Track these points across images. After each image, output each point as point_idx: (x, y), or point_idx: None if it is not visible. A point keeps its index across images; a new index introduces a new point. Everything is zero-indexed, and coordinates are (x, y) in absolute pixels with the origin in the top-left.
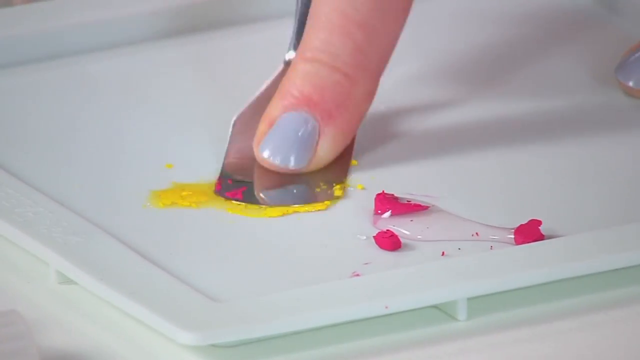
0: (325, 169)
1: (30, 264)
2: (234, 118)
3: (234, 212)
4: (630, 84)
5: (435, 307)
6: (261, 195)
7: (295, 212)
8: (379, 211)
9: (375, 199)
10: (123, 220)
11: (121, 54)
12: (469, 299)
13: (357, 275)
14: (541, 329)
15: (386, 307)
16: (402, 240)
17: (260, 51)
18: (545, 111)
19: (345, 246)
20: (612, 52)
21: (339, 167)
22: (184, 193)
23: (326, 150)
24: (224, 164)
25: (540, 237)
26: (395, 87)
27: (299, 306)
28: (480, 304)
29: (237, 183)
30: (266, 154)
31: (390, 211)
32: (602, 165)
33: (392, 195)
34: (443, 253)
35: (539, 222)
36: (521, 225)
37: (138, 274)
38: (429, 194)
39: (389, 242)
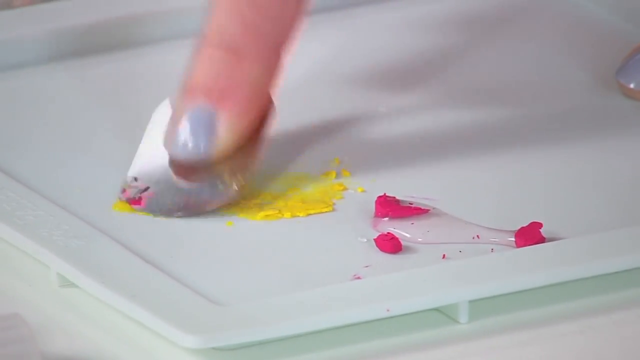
0: (233, 158)
1: (31, 267)
2: (154, 113)
3: (230, 214)
4: (632, 86)
5: (436, 309)
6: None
7: (298, 214)
8: (379, 214)
9: (376, 201)
10: (124, 223)
11: (121, 56)
12: (471, 302)
13: (358, 278)
14: (542, 331)
15: (387, 310)
16: (402, 243)
17: None
18: (546, 113)
19: (346, 249)
20: (613, 55)
21: (247, 153)
22: None
23: (225, 132)
24: (134, 164)
25: (541, 240)
26: (395, 89)
27: (300, 309)
28: (481, 306)
29: (144, 190)
30: (174, 150)
31: (389, 214)
32: (603, 168)
33: (393, 198)
34: (444, 256)
35: (539, 225)
36: (522, 227)
37: (139, 277)
38: (430, 197)
39: (390, 244)
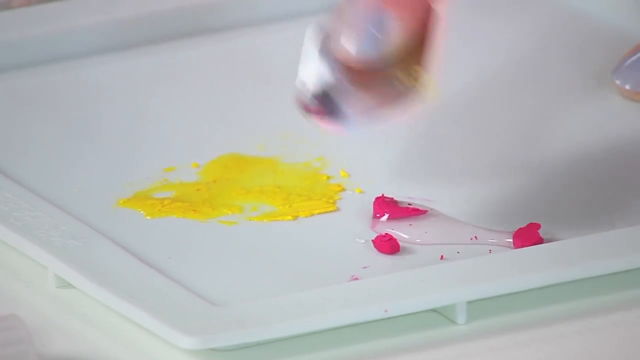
0: (406, 62)
1: (29, 268)
2: (313, 26)
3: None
4: (627, 86)
5: (434, 310)
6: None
7: (301, 215)
8: (378, 215)
9: (374, 202)
10: (122, 224)
11: (121, 58)
12: (468, 303)
13: (356, 279)
14: (540, 332)
15: (386, 311)
16: (400, 244)
17: (260, 54)
18: (543, 114)
19: (344, 250)
20: (610, 56)
21: (420, 52)
22: (165, 201)
23: (397, 31)
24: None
25: (539, 241)
26: None
27: (298, 310)
28: (479, 307)
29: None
30: (345, 49)
31: (387, 215)
32: (600, 169)
33: (391, 199)
34: (442, 257)
35: (537, 226)
36: (520, 228)
37: (137, 278)
38: (428, 198)
39: (388, 245)
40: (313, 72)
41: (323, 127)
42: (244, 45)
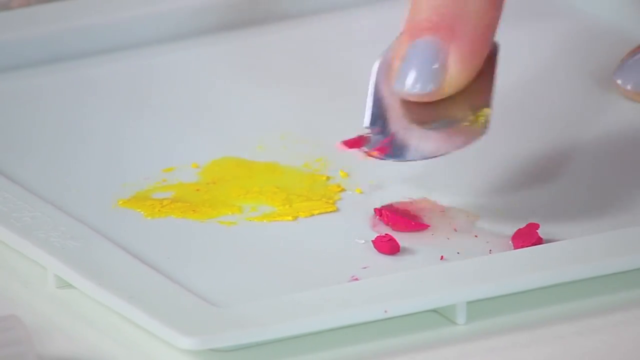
0: (467, 98)
1: (29, 268)
2: (376, 65)
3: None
4: (629, 87)
5: (434, 311)
6: (407, 153)
7: (301, 215)
8: (378, 216)
9: (375, 213)
10: (121, 225)
11: (120, 58)
12: (468, 303)
13: (356, 279)
14: (540, 332)
15: (385, 311)
16: (400, 244)
17: (260, 54)
18: (544, 114)
19: (344, 250)
20: (611, 56)
21: (482, 90)
22: (165, 202)
23: (457, 67)
24: (370, 114)
25: (539, 241)
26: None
27: (297, 310)
28: (479, 307)
29: (383, 133)
30: (402, 87)
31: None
32: (600, 169)
33: (390, 206)
34: (442, 257)
35: (537, 226)
36: (519, 229)
37: (136, 278)
38: (427, 198)
39: (388, 246)
40: (371, 109)
41: (380, 158)
42: (244, 46)
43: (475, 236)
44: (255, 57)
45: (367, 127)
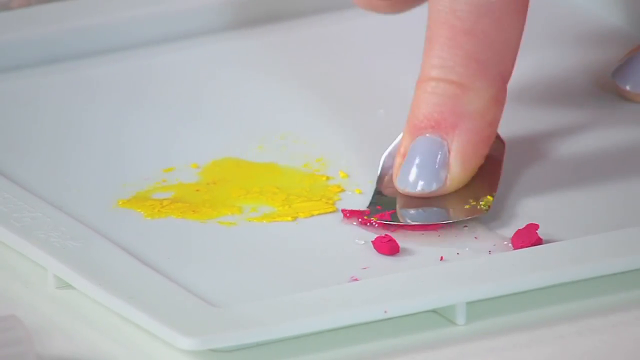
0: (473, 186)
1: (28, 269)
2: (384, 155)
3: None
4: (627, 87)
5: (434, 311)
6: (407, 219)
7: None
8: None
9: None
10: (121, 225)
11: (120, 58)
12: (468, 304)
13: (356, 279)
14: (540, 333)
15: (385, 312)
16: (400, 245)
17: (260, 54)
18: (542, 114)
19: (344, 251)
20: (610, 56)
21: (487, 183)
22: (165, 202)
23: (459, 164)
24: (374, 195)
25: (538, 242)
26: (394, 90)
27: (297, 311)
28: (479, 308)
29: (386, 207)
30: (403, 185)
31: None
32: (599, 169)
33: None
34: (442, 258)
35: (536, 226)
36: (519, 229)
37: (136, 279)
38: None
39: (387, 246)
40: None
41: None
42: (244, 46)
43: (475, 237)
44: (255, 57)
45: (368, 208)
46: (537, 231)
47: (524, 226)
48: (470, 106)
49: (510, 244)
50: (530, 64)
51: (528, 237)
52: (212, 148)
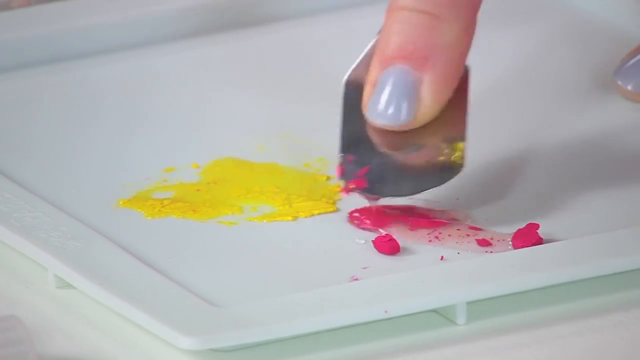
0: (442, 120)
1: (29, 268)
2: (345, 79)
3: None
4: (629, 87)
5: (434, 311)
6: (383, 191)
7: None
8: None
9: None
10: (122, 225)
11: (120, 58)
12: (468, 303)
13: (356, 279)
14: (540, 332)
15: (386, 311)
16: (400, 244)
17: (260, 54)
18: (544, 114)
19: (344, 250)
20: (611, 56)
21: (455, 118)
22: (165, 202)
23: (430, 97)
24: (342, 138)
25: (539, 241)
26: None
27: (298, 311)
28: (479, 308)
29: (358, 163)
30: (374, 116)
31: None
32: (600, 169)
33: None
34: (442, 257)
35: (536, 226)
36: (519, 229)
37: (137, 279)
38: (427, 198)
39: (388, 246)
40: (342, 134)
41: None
42: (245, 46)
43: (475, 237)
44: (256, 57)
45: (340, 155)
46: (537, 231)
47: (524, 226)
48: (443, 38)
49: (510, 244)
50: (531, 64)
51: (528, 237)
52: (213, 148)
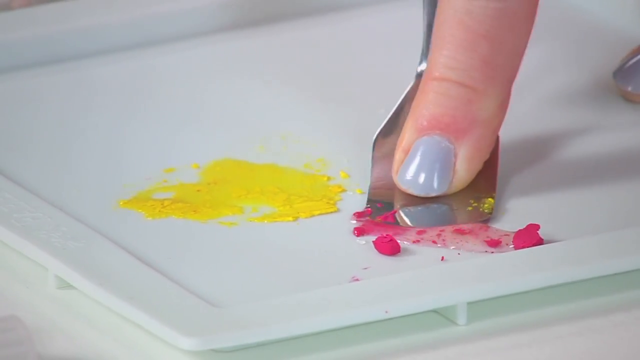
0: (472, 185)
1: (29, 269)
2: (374, 137)
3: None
4: (629, 88)
5: (435, 311)
6: (406, 219)
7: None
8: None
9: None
10: (122, 225)
11: (120, 58)
12: (469, 304)
13: (357, 280)
14: (540, 333)
15: (386, 312)
16: (401, 245)
17: (261, 54)
18: (544, 115)
19: (345, 251)
20: (611, 57)
21: (486, 180)
22: (165, 202)
23: (464, 169)
24: (369, 190)
25: (539, 242)
26: (397, 90)
27: (298, 311)
28: (479, 308)
29: (387, 206)
30: (405, 183)
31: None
32: (600, 170)
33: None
34: (442, 258)
35: (537, 227)
36: (520, 229)
37: (137, 279)
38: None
39: (388, 246)
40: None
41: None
42: (245, 46)
43: (475, 237)
44: (256, 58)
45: (367, 206)
46: (538, 231)
47: (524, 226)
48: (482, 112)
49: (511, 243)
50: (531, 64)
51: (529, 238)
52: (213, 148)
